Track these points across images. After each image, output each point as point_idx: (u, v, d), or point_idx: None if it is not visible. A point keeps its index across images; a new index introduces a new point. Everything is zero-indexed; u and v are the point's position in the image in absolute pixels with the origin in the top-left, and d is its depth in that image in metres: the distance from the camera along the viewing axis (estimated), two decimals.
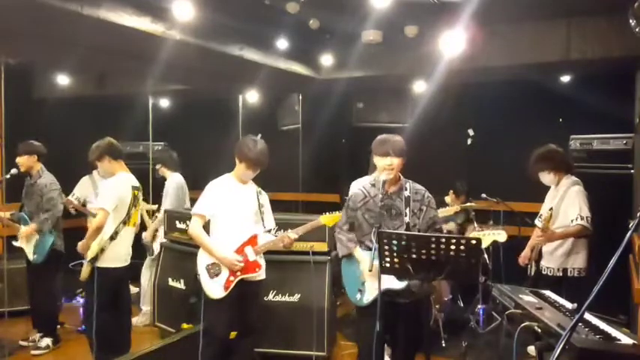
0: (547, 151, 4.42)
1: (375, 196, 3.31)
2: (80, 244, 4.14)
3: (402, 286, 3.16)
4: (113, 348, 4.02)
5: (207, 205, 3.82)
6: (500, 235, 3.51)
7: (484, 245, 3.44)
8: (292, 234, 3.81)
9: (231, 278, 3.74)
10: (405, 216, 3.22)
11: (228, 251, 3.75)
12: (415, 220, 3.29)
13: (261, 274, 3.88)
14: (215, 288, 3.75)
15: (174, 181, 5.58)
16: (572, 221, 4.14)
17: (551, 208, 4.13)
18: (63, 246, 5.03)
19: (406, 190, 3.30)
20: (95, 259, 4.04)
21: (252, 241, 3.81)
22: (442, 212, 4.41)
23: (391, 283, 3.13)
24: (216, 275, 3.76)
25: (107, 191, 4.14)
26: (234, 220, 3.80)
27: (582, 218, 4.12)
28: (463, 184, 5.84)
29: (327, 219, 3.78)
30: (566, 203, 4.24)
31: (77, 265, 4.28)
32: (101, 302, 4.05)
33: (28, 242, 4.95)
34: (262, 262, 3.88)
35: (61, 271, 5.19)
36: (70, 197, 5.64)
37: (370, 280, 3.28)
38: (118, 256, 4.16)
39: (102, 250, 4.04)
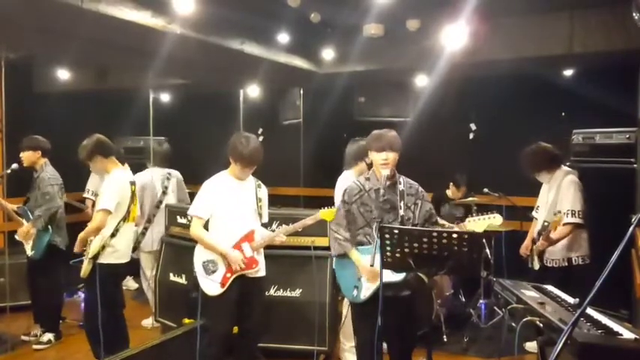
0: (531, 153, 4.47)
1: (370, 190, 3.30)
2: (79, 237, 4.15)
3: (400, 278, 3.16)
4: (113, 343, 4.02)
5: (204, 207, 3.78)
6: (496, 219, 3.42)
7: (480, 229, 3.39)
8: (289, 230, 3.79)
9: (228, 275, 3.71)
10: (400, 209, 3.21)
11: (229, 248, 3.73)
12: (409, 214, 3.28)
13: (259, 271, 3.83)
14: (212, 285, 3.72)
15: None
16: (564, 214, 4.18)
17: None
18: (64, 242, 5.00)
19: (400, 184, 3.30)
20: (96, 256, 4.04)
21: (250, 237, 3.78)
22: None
23: (388, 276, 3.09)
24: (213, 272, 3.73)
25: (108, 191, 4.11)
26: (232, 217, 3.77)
27: (574, 214, 4.19)
28: (462, 176, 5.84)
29: (326, 214, 3.68)
30: (561, 195, 4.31)
31: (77, 262, 4.26)
32: (102, 298, 4.04)
33: (27, 237, 4.94)
34: (260, 258, 3.82)
35: (62, 267, 5.17)
36: (85, 194, 5.58)
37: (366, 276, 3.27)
38: (119, 252, 4.15)
39: (103, 247, 4.05)
